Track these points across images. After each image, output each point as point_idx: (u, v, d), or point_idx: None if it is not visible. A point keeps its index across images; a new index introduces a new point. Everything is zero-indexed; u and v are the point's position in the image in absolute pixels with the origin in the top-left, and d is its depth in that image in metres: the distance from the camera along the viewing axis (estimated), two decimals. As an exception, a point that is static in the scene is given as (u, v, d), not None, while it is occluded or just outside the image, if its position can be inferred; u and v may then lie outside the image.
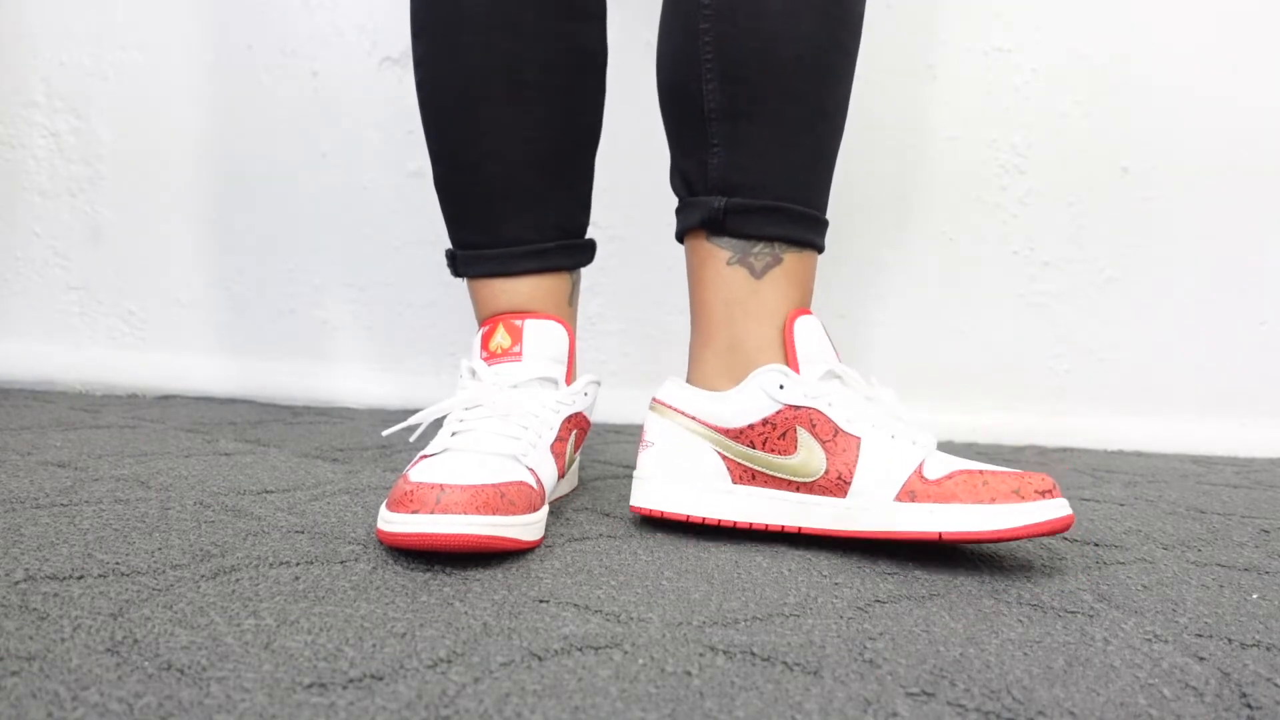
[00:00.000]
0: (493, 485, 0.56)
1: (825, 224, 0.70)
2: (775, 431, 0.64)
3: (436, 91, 0.74)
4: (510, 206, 0.74)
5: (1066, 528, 0.58)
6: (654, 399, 0.70)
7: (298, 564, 0.53)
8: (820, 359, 0.66)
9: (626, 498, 0.76)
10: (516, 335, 0.70)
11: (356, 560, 0.55)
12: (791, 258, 0.68)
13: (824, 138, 0.69)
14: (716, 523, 0.66)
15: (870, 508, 0.61)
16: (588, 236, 0.79)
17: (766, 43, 0.65)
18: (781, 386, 0.64)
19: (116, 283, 1.27)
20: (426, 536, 0.53)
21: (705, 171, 0.68)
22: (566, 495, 0.76)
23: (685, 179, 0.70)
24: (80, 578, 0.49)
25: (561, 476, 0.69)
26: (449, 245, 0.77)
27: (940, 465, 0.61)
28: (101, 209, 1.27)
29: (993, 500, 0.58)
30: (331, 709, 0.36)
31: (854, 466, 0.62)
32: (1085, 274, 1.25)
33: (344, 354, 1.27)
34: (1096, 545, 0.69)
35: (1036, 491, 0.58)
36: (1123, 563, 0.64)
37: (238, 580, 0.50)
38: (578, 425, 0.72)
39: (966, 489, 0.58)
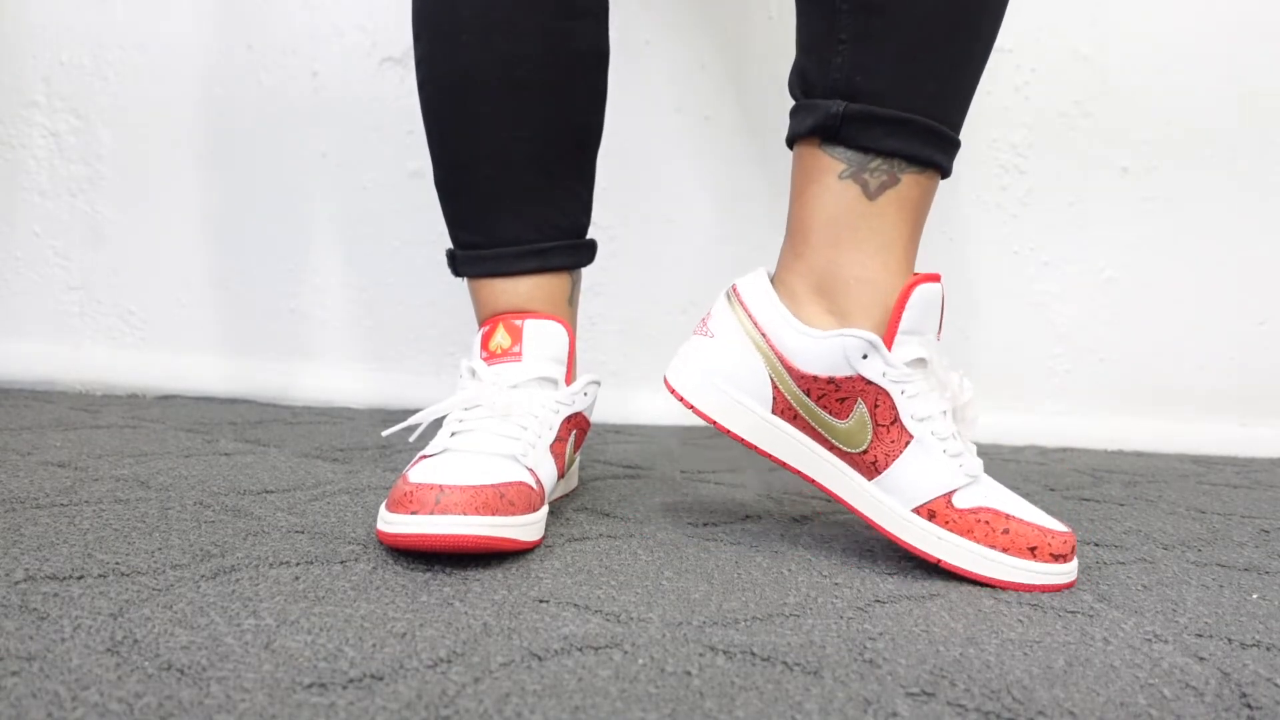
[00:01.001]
0: (492, 486, 0.56)
1: (957, 145, 0.62)
2: (837, 393, 0.60)
3: (435, 92, 0.74)
4: (508, 206, 0.74)
5: (1061, 589, 0.58)
6: (734, 288, 0.65)
7: (298, 564, 0.53)
8: (920, 338, 0.60)
9: (627, 497, 0.76)
10: (516, 335, 0.69)
11: (356, 560, 0.55)
12: (911, 179, 0.60)
13: (968, 47, 0.61)
14: (739, 439, 0.62)
15: (887, 504, 0.60)
16: (589, 237, 0.79)
17: None
18: (865, 356, 0.59)
19: (116, 283, 1.27)
20: (425, 537, 0.53)
21: (828, 70, 0.61)
22: (566, 495, 0.76)
23: (804, 78, 0.63)
24: (80, 578, 0.49)
25: (561, 476, 0.69)
26: (450, 245, 0.78)
27: (974, 496, 0.59)
28: (101, 209, 1.26)
29: (1005, 550, 0.57)
30: (331, 709, 0.36)
31: (893, 460, 0.59)
32: (1085, 274, 1.25)
33: (345, 354, 1.27)
34: (1096, 545, 0.69)
35: (1052, 555, 0.57)
36: (1123, 563, 0.64)
37: (238, 580, 0.50)
38: (577, 425, 0.72)
39: (985, 530, 0.57)
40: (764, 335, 0.62)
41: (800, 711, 0.38)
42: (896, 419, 0.59)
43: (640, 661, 0.42)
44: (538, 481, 0.63)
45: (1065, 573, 0.58)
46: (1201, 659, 0.46)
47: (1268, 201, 1.24)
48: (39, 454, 0.80)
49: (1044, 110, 1.22)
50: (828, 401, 0.60)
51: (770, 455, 0.62)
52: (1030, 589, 0.57)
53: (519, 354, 0.69)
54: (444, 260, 0.79)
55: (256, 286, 1.27)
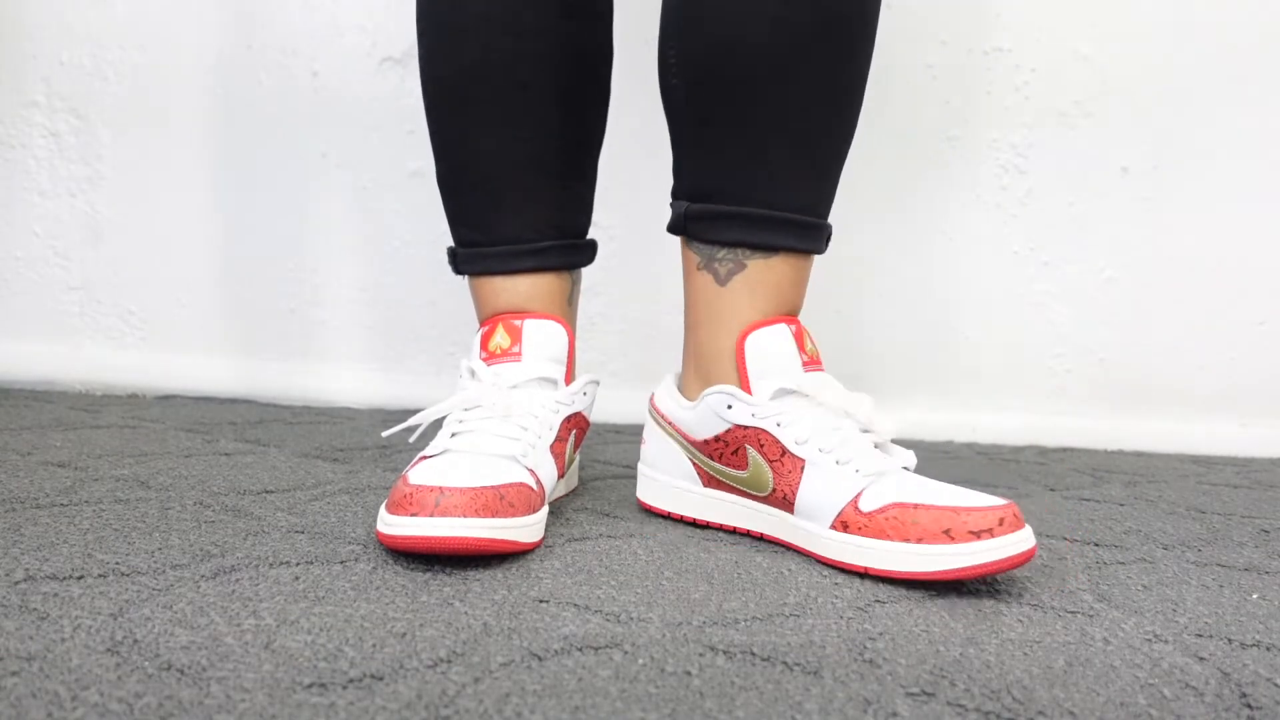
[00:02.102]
0: (492, 488, 0.56)
1: (805, 225, 0.66)
2: (728, 448, 0.65)
3: (437, 90, 0.74)
4: (508, 205, 0.74)
5: (1011, 567, 0.54)
6: (651, 396, 0.73)
7: (298, 564, 0.53)
8: (776, 374, 0.64)
9: (626, 498, 0.76)
10: (516, 335, 0.69)
11: (356, 560, 0.55)
12: (757, 264, 0.66)
13: (804, 136, 0.65)
14: (692, 521, 0.69)
15: (811, 530, 0.61)
16: (589, 237, 0.79)
17: (722, 45, 0.64)
18: (730, 406, 0.64)
19: (116, 283, 1.27)
20: (425, 539, 0.53)
21: (681, 174, 0.69)
22: (566, 495, 0.76)
23: (674, 181, 0.71)
24: (80, 578, 0.49)
25: (561, 476, 0.69)
26: (450, 243, 0.78)
27: (880, 495, 0.58)
28: (101, 209, 1.26)
29: (919, 540, 0.55)
30: (331, 709, 0.36)
31: (796, 487, 0.61)
32: (1085, 274, 1.25)
33: (344, 354, 1.27)
34: (1096, 545, 0.69)
35: (970, 532, 0.54)
36: (1123, 563, 0.64)
37: (238, 580, 0.50)
38: (577, 425, 0.72)
39: (895, 525, 0.56)
40: (669, 422, 0.70)
41: (800, 711, 0.38)
42: (784, 450, 0.62)
43: (640, 661, 0.42)
44: (538, 482, 0.62)
45: (997, 548, 0.53)
46: (1201, 659, 0.46)
47: (1268, 202, 1.24)
48: (39, 454, 0.80)
49: (1044, 110, 1.22)
50: (726, 458, 0.66)
51: (719, 525, 0.68)
52: (964, 573, 0.53)
53: (519, 354, 0.69)
54: (444, 260, 0.79)
55: (256, 286, 1.27)
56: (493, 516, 0.55)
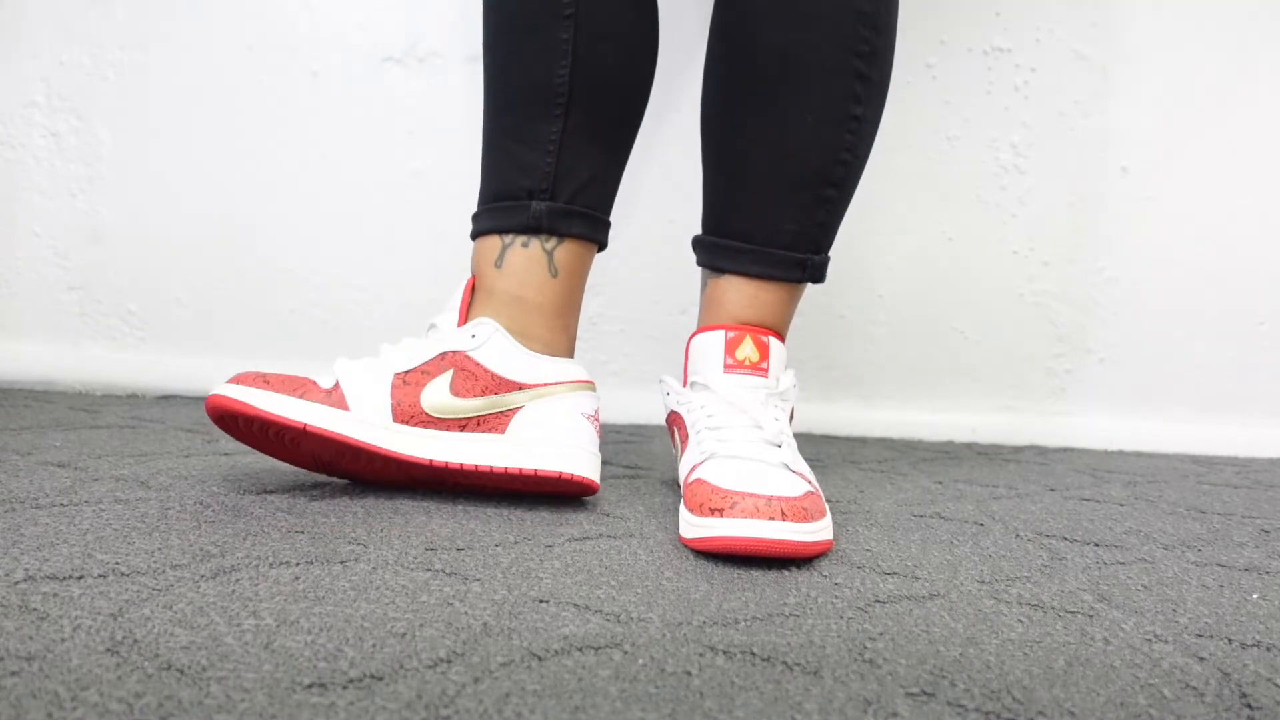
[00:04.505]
0: None
1: (753, 253, 0.76)
2: (671, 426, 0.79)
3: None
4: (486, 160, 0.78)
5: (730, 550, 0.58)
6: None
7: (298, 564, 0.53)
8: (700, 371, 0.75)
9: (626, 497, 0.76)
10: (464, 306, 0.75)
11: (356, 560, 0.55)
12: (713, 281, 0.79)
13: (742, 176, 0.77)
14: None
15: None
16: (532, 203, 0.76)
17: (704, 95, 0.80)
18: (668, 393, 0.80)
19: (116, 283, 1.27)
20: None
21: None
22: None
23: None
24: (80, 578, 0.49)
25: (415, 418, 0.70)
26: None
27: (700, 470, 0.65)
28: (101, 209, 1.26)
29: (692, 511, 0.62)
30: (331, 709, 0.36)
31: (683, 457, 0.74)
32: (1085, 274, 1.25)
33: (344, 354, 1.27)
34: (1096, 545, 0.69)
35: (711, 509, 0.59)
36: (1123, 563, 0.64)
37: (238, 580, 0.50)
38: (456, 364, 0.72)
39: (689, 495, 0.63)
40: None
41: (800, 711, 0.38)
42: (689, 432, 0.73)
43: (640, 661, 0.42)
44: (335, 386, 0.68)
45: (723, 527, 0.58)
46: (1201, 659, 0.46)
47: (1268, 202, 1.24)
48: (39, 454, 0.80)
49: (1044, 110, 1.22)
50: (673, 435, 0.78)
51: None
52: (701, 544, 0.59)
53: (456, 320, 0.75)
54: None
55: (256, 286, 1.27)
56: None
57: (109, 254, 1.27)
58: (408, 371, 0.70)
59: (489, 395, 0.71)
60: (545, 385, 0.72)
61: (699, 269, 0.81)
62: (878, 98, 0.75)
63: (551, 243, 0.75)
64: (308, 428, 0.66)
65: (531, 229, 0.75)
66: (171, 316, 1.28)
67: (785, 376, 0.75)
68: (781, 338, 0.77)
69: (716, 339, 0.74)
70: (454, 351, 0.71)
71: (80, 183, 1.26)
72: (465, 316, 0.74)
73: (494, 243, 0.76)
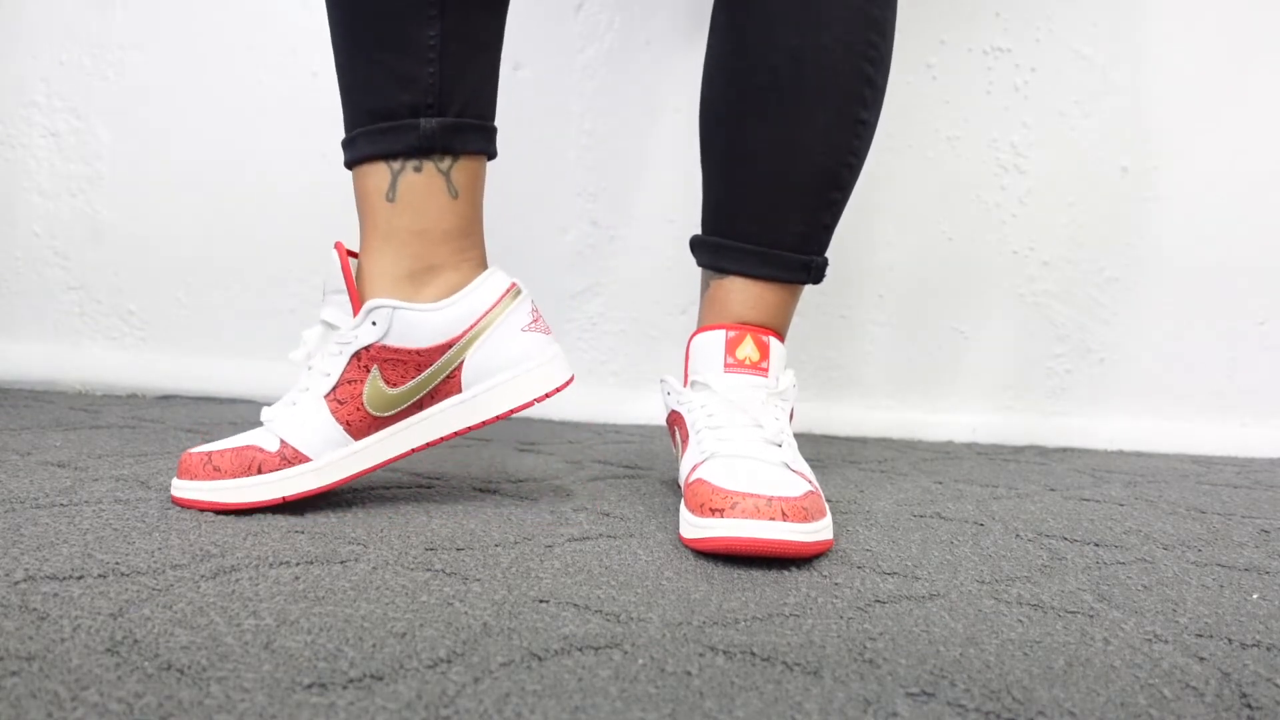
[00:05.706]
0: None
1: (755, 254, 0.76)
2: (672, 426, 0.79)
3: None
4: (349, 72, 0.71)
5: (730, 550, 0.58)
6: None
7: (298, 564, 0.53)
8: (701, 371, 0.75)
9: (626, 497, 0.76)
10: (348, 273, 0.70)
11: (356, 560, 0.55)
12: (715, 281, 0.78)
13: (751, 179, 0.77)
14: None
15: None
16: (420, 120, 0.69)
17: (703, 99, 0.80)
18: (669, 393, 0.79)
19: (116, 283, 1.27)
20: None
21: None
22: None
23: None
24: (80, 578, 0.49)
25: (368, 428, 0.68)
26: None
27: (700, 470, 0.65)
28: (101, 209, 1.26)
29: (696, 510, 0.61)
30: (331, 709, 0.36)
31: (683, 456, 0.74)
32: (1085, 274, 1.25)
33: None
34: (1096, 545, 0.69)
35: (711, 509, 0.60)
36: (1123, 563, 0.64)
37: (238, 580, 0.50)
38: (376, 358, 0.68)
39: (690, 495, 0.63)
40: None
41: (800, 711, 0.38)
42: (689, 430, 0.72)
43: (640, 661, 0.42)
44: (283, 444, 0.65)
45: (724, 528, 0.58)
46: (1201, 659, 0.46)
47: (1268, 202, 1.24)
48: (39, 454, 0.80)
49: (1044, 110, 1.22)
50: (673, 435, 0.78)
51: None
52: (701, 544, 0.59)
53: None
54: None
55: (256, 286, 1.27)
56: None
57: (109, 254, 1.27)
58: (335, 389, 0.67)
59: (424, 370, 0.67)
60: (471, 328, 0.68)
61: (699, 269, 0.81)
62: (880, 102, 0.76)
63: (446, 162, 0.69)
64: (287, 499, 0.65)
65: (423, 150, 0.68)
66: (171, 316, 1.28)
67: (785, 376, 0.75)
68: (782, 338, 0.77)
69: (717, 339, 0.74)
70: (365, 348, 0.67)
71: (80, 182, 1.26)
72: (357, 300, 0.68)
73: (381, 171, 0.70)
